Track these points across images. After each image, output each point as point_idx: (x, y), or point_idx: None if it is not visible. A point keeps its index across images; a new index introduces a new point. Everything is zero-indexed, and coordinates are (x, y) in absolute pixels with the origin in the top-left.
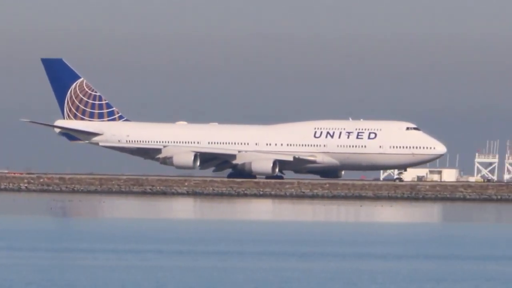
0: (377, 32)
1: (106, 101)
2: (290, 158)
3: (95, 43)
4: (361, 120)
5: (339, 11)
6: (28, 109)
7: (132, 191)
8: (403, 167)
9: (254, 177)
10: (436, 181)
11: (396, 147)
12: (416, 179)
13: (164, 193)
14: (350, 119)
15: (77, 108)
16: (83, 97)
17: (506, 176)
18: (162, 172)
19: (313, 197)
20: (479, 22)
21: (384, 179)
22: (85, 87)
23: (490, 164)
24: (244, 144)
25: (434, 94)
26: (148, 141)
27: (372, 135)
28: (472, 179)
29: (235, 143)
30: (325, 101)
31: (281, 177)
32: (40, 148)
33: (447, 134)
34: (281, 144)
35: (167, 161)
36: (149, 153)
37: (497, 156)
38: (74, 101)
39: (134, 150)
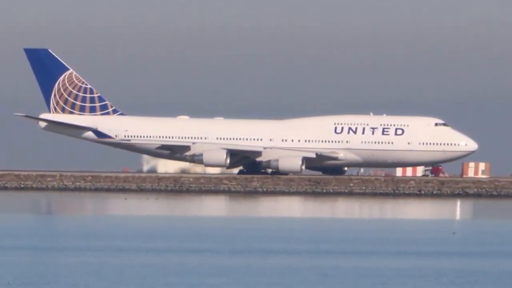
0: (394, 24)
1: (98, 94)
2: (313, 155)
3: (83, 33)
4: (384, 115)
5: (358, 2)
6: (7, 102)
7: None
8: (432, 164)
9: (266, 173)
10: (200, 173)
11: (426, 143)
12: (179, 171)
13: None
14: (371, 114)
15: (66, 101)
16: (72, 90)
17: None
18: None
19: (76, 190)
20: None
21: (147, 171)
22: (74, 79)
23: None
24: (257, 140)
25: (446, 88)
26: (150, 136)
27: (399, 131)
28: (236, 170)
29: (247, 139)
30: (339, 95)
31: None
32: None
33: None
34: (298, 140)
35: (196, 158)
36: (174, 150)
37: None
38: (62, 94)
39: (158, 147)
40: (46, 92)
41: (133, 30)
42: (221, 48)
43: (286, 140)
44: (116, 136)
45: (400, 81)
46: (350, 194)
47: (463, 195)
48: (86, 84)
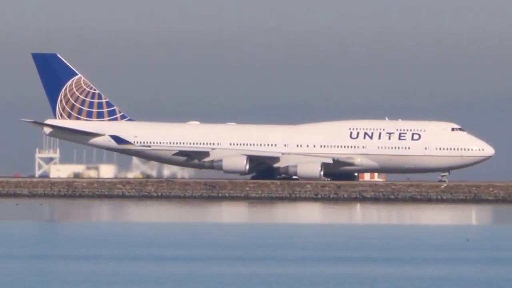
0: (409, 27)
1: (106, 100)
2: (330, 161)
3: (92, 37)
4: (399, 120)
5: (374, 4)
6: (11, 107)
7: None
8: (448, 169)
9: (280, 179)
10: (94, 178)
11: (443, 148)
12: (72, 176)
13: None
14: (387, 118)
15: (72, 107)
16: (79, 95)
17: (167, 172)
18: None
19: None
20: None
21: (40, 176)
22: (82, 84)
23: (51, 159)
24: (272, 145)
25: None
26: (160, 142)
27: (416, 136)
28: (130, 175)
29: (261, 145)
30: (352, 100)
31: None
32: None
33: None
34: (314, 146)
35: (215, 164)
36: (192, 156)
37: (58, 151)
38: (69, 99)
39: (175, 153)
40: (52, 98)
41: (142, 35)
42: (232, 52)
43: (301, 146)
44: None
45: (413, 86)
46: (246, 198)
47: (360, 198)
48: (94, 89)
